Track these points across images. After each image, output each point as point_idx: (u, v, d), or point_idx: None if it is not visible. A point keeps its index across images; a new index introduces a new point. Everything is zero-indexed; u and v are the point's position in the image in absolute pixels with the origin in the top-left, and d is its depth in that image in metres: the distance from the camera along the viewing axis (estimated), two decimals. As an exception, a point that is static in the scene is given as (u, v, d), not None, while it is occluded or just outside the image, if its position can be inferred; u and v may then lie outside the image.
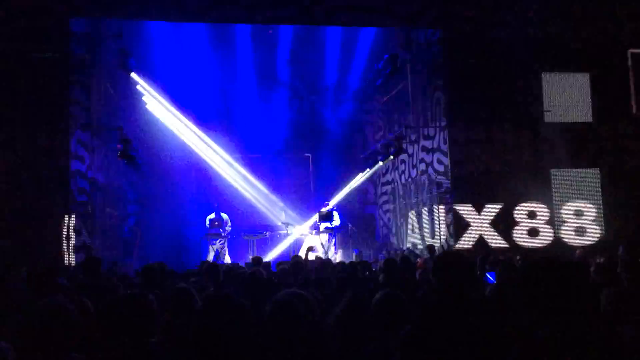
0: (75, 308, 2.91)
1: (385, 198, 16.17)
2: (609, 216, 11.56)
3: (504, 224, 11.24)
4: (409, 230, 13.78)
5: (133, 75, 12.60)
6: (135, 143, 12.45)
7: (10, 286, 5.34)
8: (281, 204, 15.13)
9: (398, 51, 13.35)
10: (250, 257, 12.68)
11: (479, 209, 11.20)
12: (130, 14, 10.88)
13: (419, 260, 8.87)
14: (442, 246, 11.58)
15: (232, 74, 14.98)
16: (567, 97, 12.06)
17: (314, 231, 13.81)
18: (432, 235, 12.21)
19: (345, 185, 15.35)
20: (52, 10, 10.29)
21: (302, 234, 14.04)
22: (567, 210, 11.62)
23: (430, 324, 2.31)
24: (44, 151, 10.03)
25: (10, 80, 10.02)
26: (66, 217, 10.05)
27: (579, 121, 12.01)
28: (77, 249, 10.37)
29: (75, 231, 10.36)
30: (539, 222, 11.39)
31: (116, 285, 5.07)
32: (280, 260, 9.36)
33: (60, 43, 10.27)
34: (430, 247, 10.48)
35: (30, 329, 2.77)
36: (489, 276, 5.53)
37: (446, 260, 2.53)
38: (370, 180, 16.77)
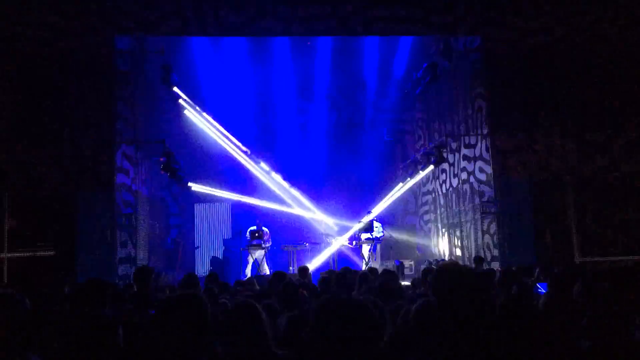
0: (120, 319, 2.96)
1: (426, 208, 15.96)
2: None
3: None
4: (451, 241, 13.54)
5: (175, 89, 12.86)
6: (178, 156, 12.69)
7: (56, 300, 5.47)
8: (321, 214, 15.13)
9: (437, 59, 13.23)
10: (291, 268, 12.74)
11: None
12: (171, 31, 11.13)
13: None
14: (485, 256, 11.32)
15: (271, 86, 15.14)
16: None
17: (354, 242, 13.74)
18: (475, 246, 11.97)
19: (385, 196, 15.23)
20: (97, 28, 10.64)
21: (342, 245, 13.99)
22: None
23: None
24: (91, 165, 10.32)
25: (58, 96, 10.38)
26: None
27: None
28: (122, 261, 10.60)
29: (121, 243, 10.59)
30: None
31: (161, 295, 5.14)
32: (324, 270, 9.32)
33: (106, 60, 10.59)
34: (479, 259, 10.25)
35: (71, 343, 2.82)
36: (539, 287, 5.35)
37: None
38: (410, 190, 16.60)
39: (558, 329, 3.21)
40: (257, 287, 6.77)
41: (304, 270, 7.82)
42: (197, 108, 14.38)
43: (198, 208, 15.62)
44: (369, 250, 13.22)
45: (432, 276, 2.66)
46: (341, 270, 7.36)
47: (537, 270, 6.55)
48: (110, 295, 4.35)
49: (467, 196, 12.52)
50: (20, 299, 2.85)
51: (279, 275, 6.02)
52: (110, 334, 2.86)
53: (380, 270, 11.79)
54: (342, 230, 14.76)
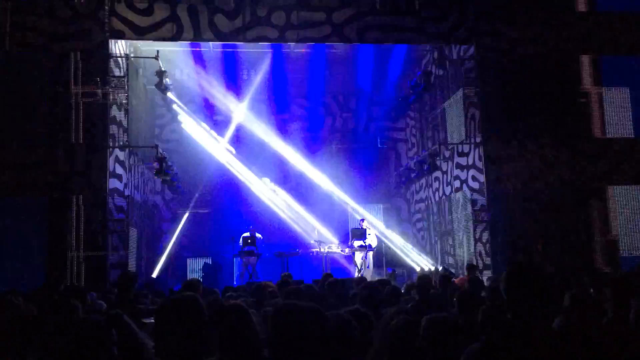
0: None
1: (418, 216, 15.98)
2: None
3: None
4: (444, 249, 13.56)
5: (169, 95, 12.85)
6: (171, 162, 12.66)
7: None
8: (314, 221, 15.10)
9: (431, 68, 13.31)
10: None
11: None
12: (166, 36, 11.12)
13: (455, 280, 8.70)
14: (477, 265, 11.33)
15: (264, 93, 15.16)
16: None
17: (347, 249, 13.70)
18: (468, 254, 11.98)
19: (379, 203, 15.25)
20: (92, 33, 10.63)
21: (334, 252, 13.95)
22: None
23: (505, 341, 2.23)
24: (83, 169, 10.27)
25: (50, 101, 10.34)
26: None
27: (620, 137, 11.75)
28: (113, 266, 10.54)
29: (112, 248, 10.53)
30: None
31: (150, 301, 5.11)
32: (314, 279, 9.29)
33: (100, 64, 10.57)
34: (472, 267, 10.26)
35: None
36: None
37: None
38: (403, 198, 16.64)
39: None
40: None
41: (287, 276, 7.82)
42: (191, 113, 14.40)
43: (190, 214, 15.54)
44: (362, 258, 13.18)
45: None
46: (323, 277, 7.28)
47: None
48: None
49: (460, 204, 12.55)
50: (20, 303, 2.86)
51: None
52: (103, 337, 2.84)
53: (373, 277, 11.79)
54: (335, 237, 14.73)
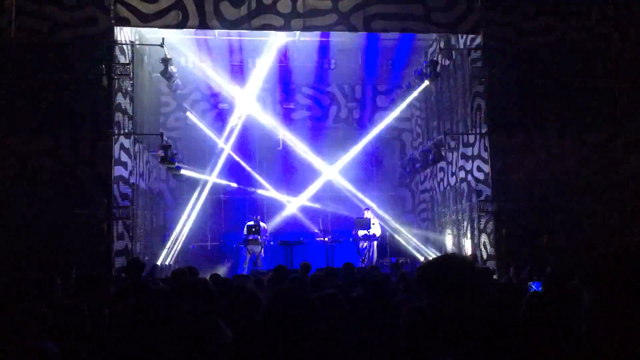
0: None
1: (423, 206, 15.96)
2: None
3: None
4: (448, 240, 13.55)
5: (174, 82, 12.82)
6: (176, 149, 12.65)
7: (54, 289, 5.52)
8: (319, 210, 15.13)
9: (437, 57, 13.23)
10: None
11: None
12: (171, 23, 11.08)
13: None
14: (482, 255, 11.34)
15: (270, 82, 15.12)
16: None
17: (350, 239, 13.72)
18: (472, 245, 11.97)
19: (383, 193, 15.22)
20: (97, 20, 10.60)
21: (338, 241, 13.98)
22: None
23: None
24: (88, 157, 10.28)
25: (56, 88, 10.33)
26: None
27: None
28: (119, 254, 10.59)
29: (118, 236, 10.58)
30: None
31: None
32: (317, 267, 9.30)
33: (105, 51, 10.55)
34: (473, 257, 10.27)
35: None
36: (533, 286, 5.36)
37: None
38: (408, 188, 16.63)
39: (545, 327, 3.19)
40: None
41: (305, 267, 7.84)
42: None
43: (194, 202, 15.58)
44: (366, 248, 13.21)
45: (421, 272, 2.19)
46: (324, 270, 7.29)
47: (527, 268, 6.69)
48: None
49: (465, 195, 12.52)
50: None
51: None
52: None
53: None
54: (339, 226, 14.76)
